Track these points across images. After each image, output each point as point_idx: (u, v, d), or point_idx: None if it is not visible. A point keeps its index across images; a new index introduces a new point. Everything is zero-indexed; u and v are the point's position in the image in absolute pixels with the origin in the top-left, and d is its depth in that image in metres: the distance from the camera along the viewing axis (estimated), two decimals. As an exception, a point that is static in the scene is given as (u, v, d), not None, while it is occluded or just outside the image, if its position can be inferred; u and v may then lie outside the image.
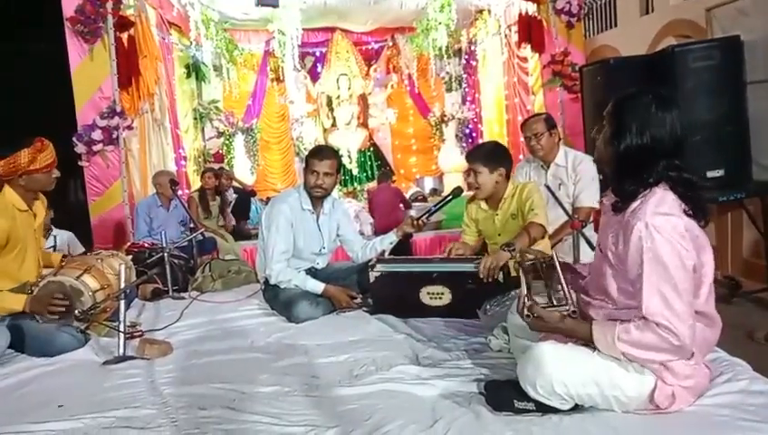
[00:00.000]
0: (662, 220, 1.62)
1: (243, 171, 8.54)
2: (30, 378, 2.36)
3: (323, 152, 3.30)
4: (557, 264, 1.98)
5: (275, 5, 6.87)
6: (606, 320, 1.76)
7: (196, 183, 7.19)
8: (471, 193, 3.18)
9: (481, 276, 2.66)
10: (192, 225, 4.97)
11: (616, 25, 6.33)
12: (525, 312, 1.75)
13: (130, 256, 3.75)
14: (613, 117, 1.77)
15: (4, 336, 2.53)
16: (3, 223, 2.66)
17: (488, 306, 2.58)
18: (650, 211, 1.64)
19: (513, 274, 2.69)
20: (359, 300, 3.15)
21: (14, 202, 2.77)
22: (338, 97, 9.21)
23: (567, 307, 1.76)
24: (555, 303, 1.84)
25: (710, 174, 4.08)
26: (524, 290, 1.88)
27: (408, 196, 8.18)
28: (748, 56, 4.21)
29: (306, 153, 3.62)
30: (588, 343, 1.71)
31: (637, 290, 1.66)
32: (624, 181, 1.74)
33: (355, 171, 9.07)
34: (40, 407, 2.04)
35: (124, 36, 5.45)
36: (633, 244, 1.65)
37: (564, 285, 1.86)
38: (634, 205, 1.71)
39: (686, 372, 1.72)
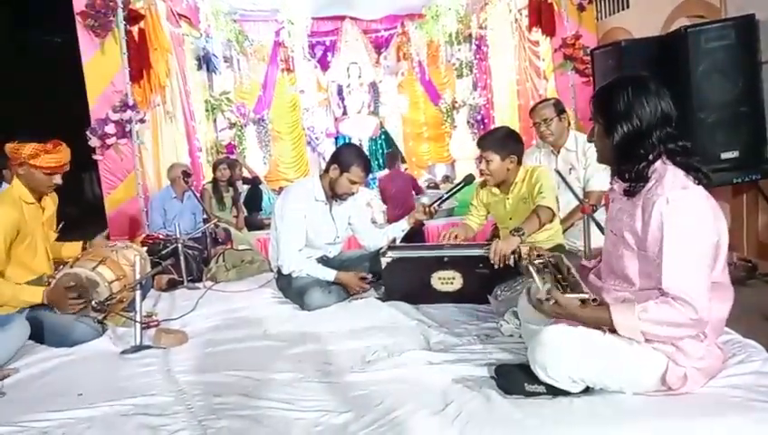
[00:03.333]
0: (683, 194, 1.65)
1: (255, 162, 8.57)
2: (49, 368, 2.41)
3: (369, 165, 3.30)
4: (567, 262, 2.02)
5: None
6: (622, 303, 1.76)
7: (209, 174, 7.24)
8: (482, 179, 3.18)
9: (492, 261, 2.67)
10: (205, 216, 5.01)
11: (628, 6, 6.23)
12: (545, 296, 1.74)
13: (145, 248, 3.79)
14: (599, 114, 1.84)
15: (25, 328, 2.58)
16: (12, 213, 2.71)
17: (499, 291, 2.59)
18: (669, 187, 1.67)
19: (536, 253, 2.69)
20: (369, 277, 3.16)
21: (21, 194, 2.83)
22: (348, 85, 9.21)
23: (588, 295, 1.75)
24: (572, 291, 1.82)
25: (725, 155, 4.02)
26: (537, 278, 1.87)
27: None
28: (763, 36, 4.12)
29: (335, 150, 3.61)
30: (606, 328, 1.70)
31: (655, 267, 1.67)
32: (629, 166, 1.77)
33: (366, 159, 9.06)
34: (59, 396, 2.09)
35: (134, 29, 5.47)
36: (654, 220, 1.67)
37: (578, 278, 1.88)
38: (648, 185, 1.73)
39: (699, 354, 1.72)
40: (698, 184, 1.70)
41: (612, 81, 1.87)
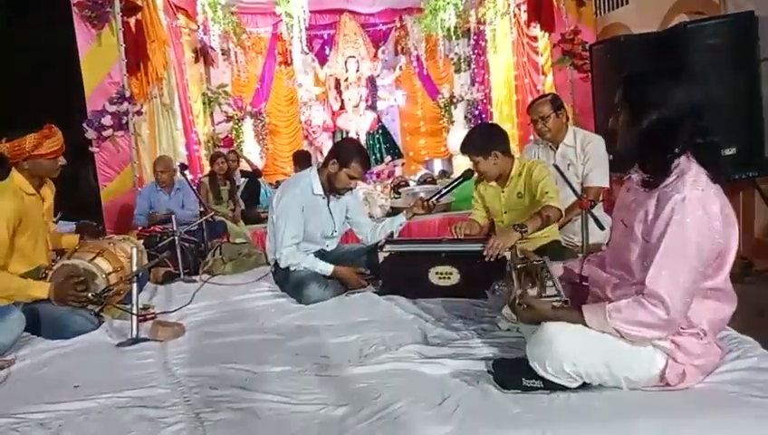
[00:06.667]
0: (700, 197, 1.62)
1: (252, 156, 8.55)
2: (46, 360, 2.40)
3: (368, 160, 3.29)
4: (548, 265, 2.07)
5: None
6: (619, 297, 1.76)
7: (206, 168, 7.22)
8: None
9: (484, 254, 2.66)
10: (202, 208, 5.00)
11: (627, 2, 6.22)
12: (517, 301, 1.82)
13: (142, 240, 3.79)
14: (628, 100, 1.79)
15: (21, 320, 2.57)
16: (14, 204, 2.70)
17: (497, 286, 2.58)
18: (689, 185, 1.64)
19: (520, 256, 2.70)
20: (367, 273, 3.17)
21: (21, 185, 2.82)
22: (346, 79, 9.17)
23: (559, 298, 1.81)
24: (546, 294, 1.89)
25: (722, 152, 4.03)
26: (516, 284, 1.95)
27: (416, 178, 8.19)
28: (762, 33, 4.13)
29: (335, 144, 3.61)
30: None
31: (649, 260, 1.66)
32: (653, 157, 1.74)
33: (364, 154, 9.03)
34: (56, 388, 2.09)
35: (131, 21, 5.45)
36: (664, 213, 1.65)
37: (556, 282, 1.93)
38: (669, 180, 1.70)
39: (698, 351, 1.72)
40: (715, 183, 1.67)
41: (644, 70, 1.82)
